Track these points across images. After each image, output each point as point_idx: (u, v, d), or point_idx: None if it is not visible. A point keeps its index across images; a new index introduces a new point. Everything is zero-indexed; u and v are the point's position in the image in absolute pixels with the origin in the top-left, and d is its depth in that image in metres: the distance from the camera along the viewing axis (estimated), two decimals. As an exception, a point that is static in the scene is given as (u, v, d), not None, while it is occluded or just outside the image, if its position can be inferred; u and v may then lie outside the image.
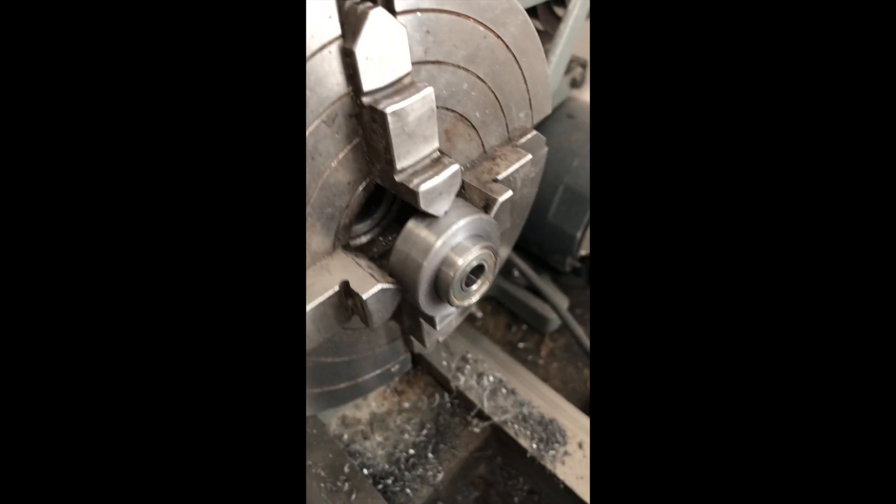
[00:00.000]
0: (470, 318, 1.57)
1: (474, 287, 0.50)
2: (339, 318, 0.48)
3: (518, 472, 1.04)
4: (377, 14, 0.37)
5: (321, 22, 0.37)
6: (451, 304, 0.49)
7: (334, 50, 0.39)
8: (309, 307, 0.45)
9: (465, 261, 0.47)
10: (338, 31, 0.38)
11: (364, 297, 0.45)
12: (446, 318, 0.56)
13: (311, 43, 0.37)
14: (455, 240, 0.47)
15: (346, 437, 0.98)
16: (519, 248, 1.58)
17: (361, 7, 0.38)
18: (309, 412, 0.61)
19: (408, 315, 0.60)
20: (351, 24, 0.38)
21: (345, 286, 0.47)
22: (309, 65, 0.38)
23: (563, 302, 1.53)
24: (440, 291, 0.48)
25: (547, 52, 1.02)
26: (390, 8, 0.40)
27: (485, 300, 1.65)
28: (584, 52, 1.40)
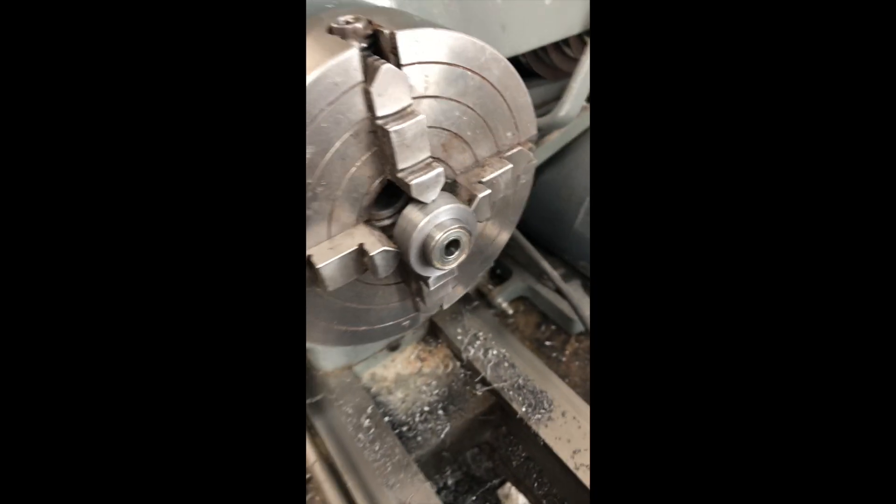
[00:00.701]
0: (502, 315, 1.73)
1: (452, 257, 0.70)
2: (356, 269, 0.70)
3: (518, 440, 1.20)
4: (386, 68, 0.59)
5: (351, 72, 0.59)
6: (434, 266, 0.69)
7: (359, 89, 0.60)
8: (336, 258, 0.67)
9: (443, 234, 0.67)
10: (361, 77, 0.60)
11: (371, 254, 0.66)
12: (438, 281, 0.76)
13: (345, 84, 0.59)
14: (438, 220, 0.67)
15: (373, 389, 1.20)
16: (552, 254, 1.73)
17: (376, 63, 0.60)
18: (336, 344, 0.83)
19: (414, 280, 0.81)
20: (370, 73, 0.60)
21: (360, 247, 0.68)
22: (343, 98, 0.60)
23: (586, 306, 1.65)
24: (426, 256, 0.68)
25: (574, 75, 1.19)
26: (397, 63, 0.61)
27: (517, 300, 1.81)
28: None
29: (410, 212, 0.68)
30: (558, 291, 1.74)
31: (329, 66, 0.57)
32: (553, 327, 1.75)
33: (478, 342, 1.19)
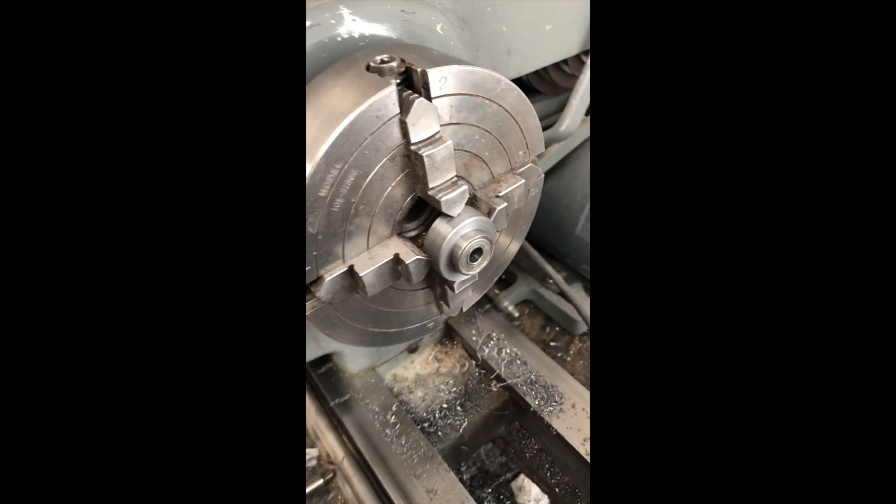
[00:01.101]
0: (509, 318, 1.82)
1: (476, 263, 0.80)
2: (392, 276, 0.79)
3: (530, 434, 1.29)
4: (420, 102, 0.68)
5: (389, 105, 0.68)
6: (461, 272, 0.78)
7: (396, 120, 0.70)
8: (375, 267, 0.76)
9: (468, 244, 0.76)
10: (398, 110, 0.69)
11: (407, 262, 0.76)
12: (462, 285, 0.85)
13: (384, 117, 0.69)
14: (463, 231, 0.77)
15: (395, 389, 1.29)
16: (555, 259, 1.83)
17: (411, 97, 0.69)
18: (371, 345, 0.92)
19: (438, 285, 0.90)
20: (405, 106, 0.69)
21: (396, 256, 0.77)
22: (383, 128, 0.69)
23: (587, 307, 1.73)
24: (453, 263, 0.78)
25: (574, 90, 1.29)
26: (428, 97, 0.71)
27: (522, 303, 1.90)
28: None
29: (440, 225, 0.77)
30: (562, 294, 1.84)
31: (372, 101, 0.67)
32: (557, 328, 1.84)
33: (491, 342, 1.28)
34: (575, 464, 1.15)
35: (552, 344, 1.80)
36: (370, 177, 0.72)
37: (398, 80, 0.71)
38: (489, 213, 0.82)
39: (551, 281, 1.83)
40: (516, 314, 1.85)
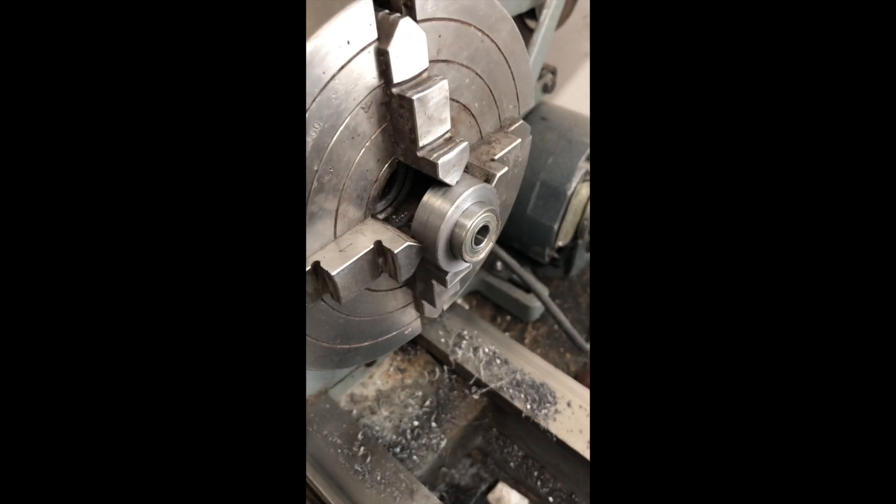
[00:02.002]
0: (463, 308, 1.67)
1: (481, 246, 0.61)
2: (372, 274, 0.58)
3: (513, 441, 1.14)
4: (406, 22, 0.48)
5: (363, 28, 0.48)
6: (464, 259, 0.60)
7: (371, 50, 0.49)
8: (350, 262, 0.55)
9: (474, 222, 0.57)
10: (375, 35, 0.49)
11: (395, 251, 0.55)
12: (455, 277, 0.66)
13: (355, 45, 0.48)
14: (465, 205, 0.58)
15: (354, 412, 1.07)
16: (501, 243, 1.69)
17: (392, 17, 0.49)
18: (343, 367, 0.70)
19: (421, 281, 0.70)
20: (384, 30, 0.49)
21: (378, 245, 0.57)
22: (353, 62, 0.48)
23: (544, 291, 1.64)
24: (454, 249, 0.59)
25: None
26: (413, 17, 0.51)
27: (470, 294, 1.75)
28: (554, 61, 1.54)
29: (433, 199, 0.57)
30: (511, 281, 1.72)
31: (338, 21, 0.46)
32: (509, 318, 1.73)
33: (464, 342, 1.10)
34: (570, 468, 1.02)
35: (506, 334, 1.69)
36: (338, 133, 0.51)
37: (369, -4, 0.50)
38: (487, 181, 0.64)
39: (499, 267, 1.70)
40: (466, 307, 1.71)
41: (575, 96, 1.98)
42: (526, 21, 1.37)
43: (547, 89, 1.54)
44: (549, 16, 1.15)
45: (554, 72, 1.54)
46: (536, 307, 1.63)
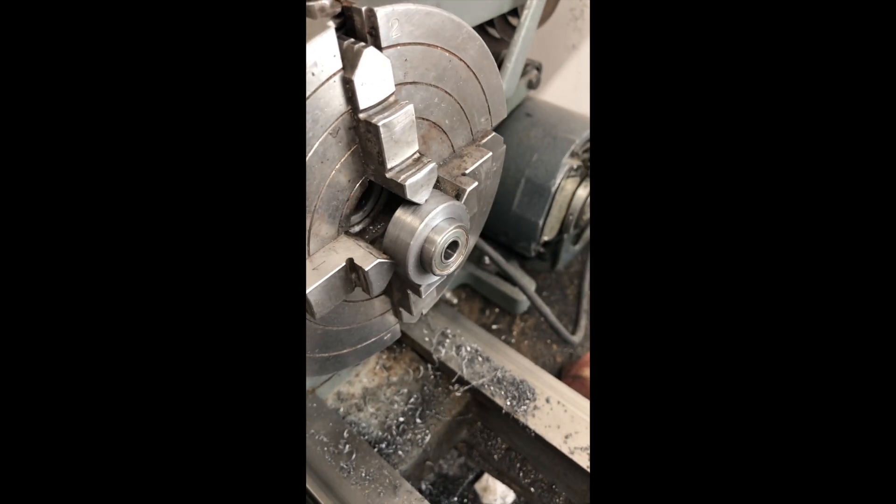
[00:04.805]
0: (448, 305, 1.70)
1: (451, 260, 0.63)
2: (345, 289, 0.61)
3: (496, 433, 1.17)
4: (369, 52, 0.50)
5: (328, 59, 0.49)
6: (433, 273, 0.62)
7: (337, 79, 0.51)
8: (323, 279, 0.57)
9: (443, 238, 0.60)
10: (339, 65, 0.50)
11: (366, 269, 0.58)
12: (430, 288, 0.68)
13: (321, 75, 0.49)
14: (434, 222, 0.60)
15: (341, 410, 1.10)
16: (488, 237, 1.72)
17: (357, 46, 0.50)
18: (319, 374, 0.73)
19: (397, 290, 0.73)
20: (349, 59, 0.50)
21: (350, 262, 0.59)
22: (320, 91, 0.50)
23: (530, 285, 1.66)
24: (425, 263, 0.61)
25: (504, 57, 1.15)
26: (377, 45, 0.52)
27: (459, 287, 1.78)
28: (538, 56, 1.54)
29: (403, 216, 0.59)
30: (499, 275, 1.74)
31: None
32: (497, 310, 1.76)
33: (447, 340, 1.13)
34: (550, 460, 1.06)
35: (494, 326, 1.71)
36: (307, 159, 0.53)
37: (335, 25, 0.51)
38: (458, 196, 0.66)
39: (487, 261, 1.73)
40: (454, 300, 1.74)
41: (562, 90, 1.98)
42: (509, 19, 1.38)
43: (532, 85, 1.54)
44: (529, 16, 1.15)
45: (539, 67, 1.54)
46: (523, 300, 1.66)
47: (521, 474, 1.13)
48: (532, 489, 1.12)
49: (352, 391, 1.14)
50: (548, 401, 1.03)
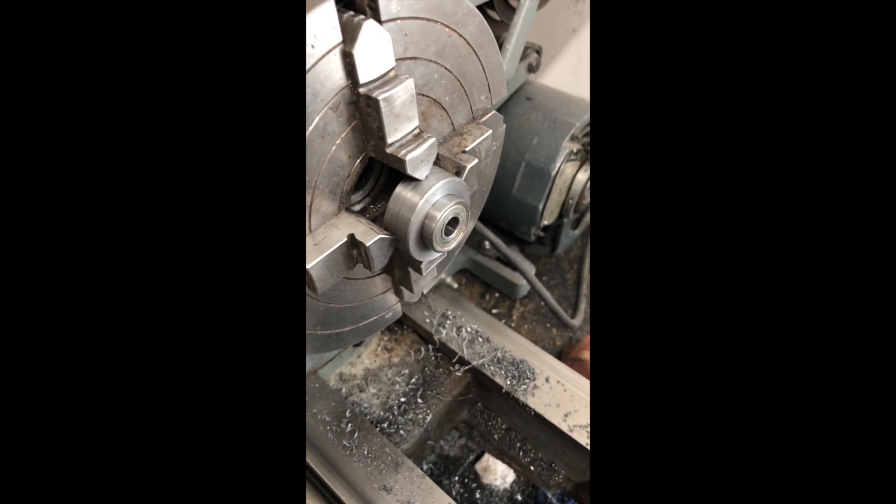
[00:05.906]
0: (448, 289, 1.70)
1: (452, 236, 0.64)
2: (347, 265, 0.61)
3: (496, 414, 1.19)
4: (369, 25, 0.50)
5: (328, 32, 0.49)
6: (434, 249, 0.62)
7: (337, 52, 0.51)
8: (324, 255, 0.58)
9: (443, 214, 0.60)
10: (339, 38, 0.50)
11: (367, 244, 0.58)
12: (430, 265, 0.69)
13: (321, 48, 0.49)
14: (434, 198, 0.60)
15: (343, 390, 1.11)
16: (488, 222, 1.72)
17: (356, 19, 0.50)
18: (320, 351, 0.73)
19: (398, 267, 0.73)
20: (349, 32, 0.50)
21: (351, 238, 0.59)
22: (320, 65, 0.50)
23: (530, 269, 1.67)
24: (425, 239, 0.61)
25: (504, 39, 1.14)
26: (377, 19, 0.52)
27: (459, 272, 1.78)
28: (539, 39, 1.53)
29: (404, 192, 0.60)
30: (500, 259, 1.75)
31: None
32: (497, 294, 1.77)
33: (448, 322, 1.14)
34: (549, 439, 1.07)
35: (494, 311, 1.72)
36: (308, 134, 0.53)
37: (333, -3, 0.51)
38: (458, 173, 0.66)
39: (487, 246, 1.73)
40: (455, 285, 1.74)
41: (562, 74, 1.97)
42: (509, 1, 1.36)
43: (532, 69, 1.53)
44: (529, -2, 1.15)
45: (539, 51, 1.53)
46: (523, 284, 1.66)
47: (520, 453, 1.15)
48: (532, 468, 1.13)
49: (354, 372, 1.15)
50: (547, 380, 1.04)
